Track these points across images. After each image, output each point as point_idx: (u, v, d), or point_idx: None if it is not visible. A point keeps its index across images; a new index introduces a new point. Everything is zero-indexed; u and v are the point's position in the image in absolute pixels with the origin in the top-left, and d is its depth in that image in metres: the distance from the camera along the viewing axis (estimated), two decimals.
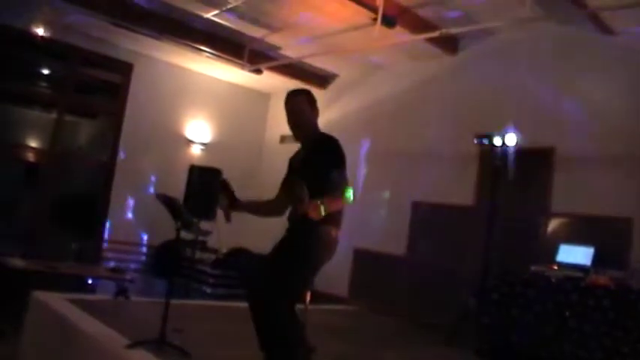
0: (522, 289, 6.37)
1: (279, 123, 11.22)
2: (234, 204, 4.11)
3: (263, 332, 3.84)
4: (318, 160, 3.92)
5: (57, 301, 5.93)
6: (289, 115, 4.14)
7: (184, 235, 8.03)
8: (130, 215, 10.63)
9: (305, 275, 3.97)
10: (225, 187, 4.12)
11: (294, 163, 4.22)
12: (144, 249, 10.72)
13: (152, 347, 4.47)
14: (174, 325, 4.77)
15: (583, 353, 5.73)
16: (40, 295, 6.10)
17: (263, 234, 10.95)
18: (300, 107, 4.13)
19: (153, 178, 10.68)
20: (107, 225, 10.44)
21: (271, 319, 3.79)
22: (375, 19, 7.47)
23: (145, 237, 10.73)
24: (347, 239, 3.95)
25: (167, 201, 4.73)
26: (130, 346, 4.46)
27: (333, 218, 3.92)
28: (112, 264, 9.65)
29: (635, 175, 6.69)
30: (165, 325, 4.58)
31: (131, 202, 10.62)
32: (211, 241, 9.59)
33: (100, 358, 4.56)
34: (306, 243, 3.89)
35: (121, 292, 6.80)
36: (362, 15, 7.71)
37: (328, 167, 3.86)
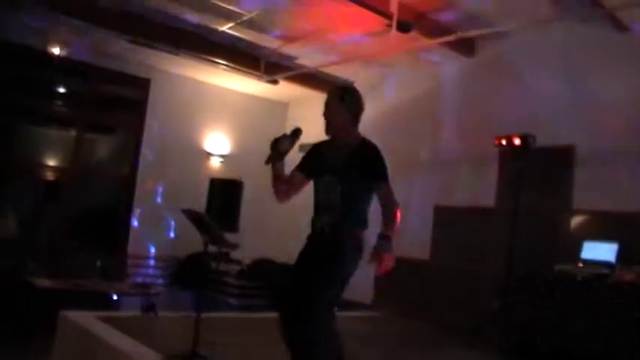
0: (548, 288, 6.37)
1: None
2: (281, 157, 4.15)
3: (298, 344, 3.86)
4: (367, 168, 4.03)
5: (86, 319, 5.95)
6: (324, 108, 4.24)
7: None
8: (152, 230, 10.68)
9: (339, 283, 3.98)
10: (295, 137, 4.17)
11: (331, 158, 4.17)
12: (167, 263, 10.76)
13: None
14: (205, 339, 4.79)
15: (615, 350, 5.72)
16: (69, 314, 6.11)
17: (284, 244, 11.05)
18: (329, 103, 4.20)
19: (173, 192, 10.72)
20: (130, 240, 10.52)
21: (309, 330, 3.78)
22: (390, 25, 7.51)
23: (168, 251, 10.77)
24: (370, 245, 4.01)
25: (194, 216, 4.76)
26: None
27: (362, 220, 4.06)
28: (136, 279, 9.70)
29: None
30: (198, 339, 4.61)
31: (153, 216, 10.67)
32: (235, 253, 9.61)
33: None
34: (337, 251, 3.93)
35: (149, 307, 6.83)
36: (377, 22, 7.72)
37: (379, 179, 4.02)
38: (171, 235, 10.68)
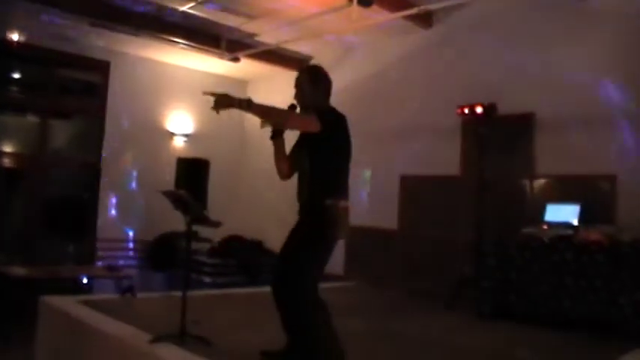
0: (517, 251, 6.58)
1: None
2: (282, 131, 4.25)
3: (287, 317, 4.01)
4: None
5: (68, 304, 5.94)
6: (296, 91, 4.33)
7: (178, 227, 8.14)
8: (119, 212, 10.69)
9: (322, 255, 4.10)
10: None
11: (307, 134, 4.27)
12: (137, 245, 10.79)
13: (175, 340, 4.57)
14: (189, 317, 4.83)
15: (582, 308, 5.97)
16: (50, 300, 6.09)
17: (252, 221, 11.15)
18: (299, 84, 4.31)
19: (140, 174, 10.75)
20: (98, 224, 10.50)
21: (293, 303, 3.95)
22: (352, 0, 7.59)
23: (137, 233, 10.80)
24: (352, 215, 4.18)
25: (174, 196, 4.80)
26: (154, 341, 4.57)
27: (338, 190, 4.14)
28: (107, 263, 9.70)
29: (614, 134, 6.92)
30: (185, 317, 4.68)
31: (120, 199, 10.67)
32: (204, 231, 9.64)
33: (126, 355, 4.65)
34: (317, 222, 4.04)
35: (127, 289, 6.88)
36: None
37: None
38: (139, 216, 10.68)
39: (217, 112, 3.96)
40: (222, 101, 3.87)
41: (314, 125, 3.98)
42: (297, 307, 3.97)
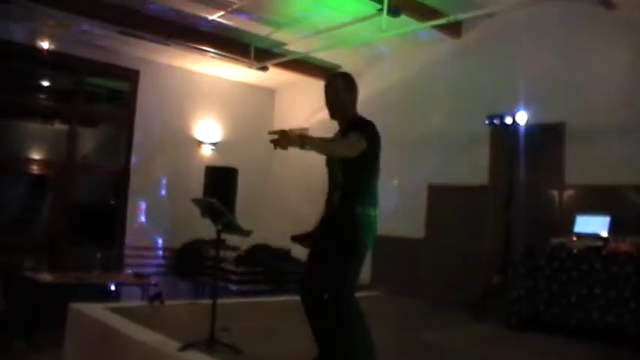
0: (546, 261, 6.53)
1: (285, 118, 11.39)
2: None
3: (323, 327, 4.01)
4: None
5: (97, 311, 6.01)
6: (324, 94, 4.33)
7: (204, 234, 8.16)
8: (147, 220, 10.73)
9: (355, 262, 4.09)
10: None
11: None
12: (164, 252, 10.84)
13: (203, 347, 4.59)
14: (218, 325, 4.82)
15: (610, 318, 5.90)
16: (79, 307, 6.17)
17: (279, 228, 11.15)
18: (333, 88, 4.30)
19: (167, 182, 10.81)
20: (126, 231, 10.56)
21: (329, 313, 3.93)
22: (381, 10, 7.59)
23: (164, 240, 10.85)
24: (382, 222, 4.15)
25: (206, 204, 4.83)
26: (183, 349, 4.59)
27: (369, 197, 4.15)
28: (134, 270, 9.76)
29: None
30: (214, 325, 4.70)
31: (147, 207, 10.72)
32: (231, 239, 9.67)
33: None
34: (349, 231, 4.02)
35: (156, 296, 6.92)
36: (367, 6, 7.82)
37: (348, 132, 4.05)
38: (166, 224, 10.74)
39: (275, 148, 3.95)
40: (282, 141, 3.84)
41: (363, 146, 3.97)
42: (333, 317, 3.95)
